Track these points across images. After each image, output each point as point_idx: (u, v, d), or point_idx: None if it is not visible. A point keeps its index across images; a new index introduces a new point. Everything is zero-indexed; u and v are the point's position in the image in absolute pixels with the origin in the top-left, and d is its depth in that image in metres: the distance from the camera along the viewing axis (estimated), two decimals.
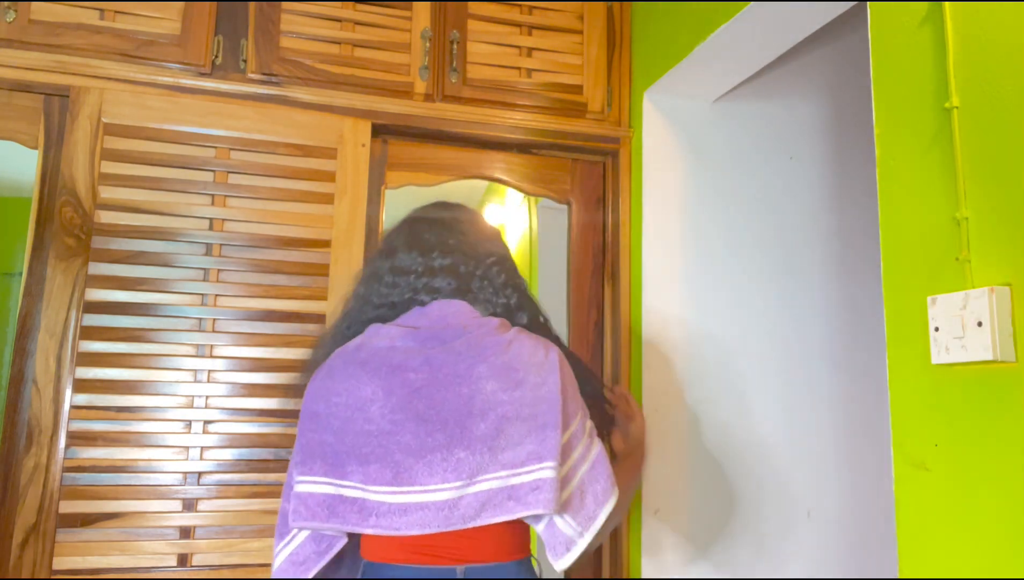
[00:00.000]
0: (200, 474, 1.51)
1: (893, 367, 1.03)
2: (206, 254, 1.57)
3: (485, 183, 1.93)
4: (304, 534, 1.08)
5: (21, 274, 1.48)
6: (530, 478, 0.98)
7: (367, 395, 1.03)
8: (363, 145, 1.69)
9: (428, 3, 1.77)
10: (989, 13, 0.93)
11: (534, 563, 1.08)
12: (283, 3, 1.67)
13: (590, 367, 1.79)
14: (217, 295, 1.56)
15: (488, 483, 0.99)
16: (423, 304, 1.13)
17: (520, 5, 1.85)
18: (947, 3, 0.98)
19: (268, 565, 1.51)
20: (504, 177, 1.86)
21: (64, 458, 1.43)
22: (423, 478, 0.99)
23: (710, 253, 1.86)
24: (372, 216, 1.71)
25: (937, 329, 0.95)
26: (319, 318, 1.60)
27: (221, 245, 1.58)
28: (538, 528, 1.03)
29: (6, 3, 1.51)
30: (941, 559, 0.94)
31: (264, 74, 1.65)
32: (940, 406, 0.95)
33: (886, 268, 1.06)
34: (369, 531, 1.00)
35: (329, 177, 1.66)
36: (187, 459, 1.50)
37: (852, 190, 2.02)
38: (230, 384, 1.54)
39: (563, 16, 1.88)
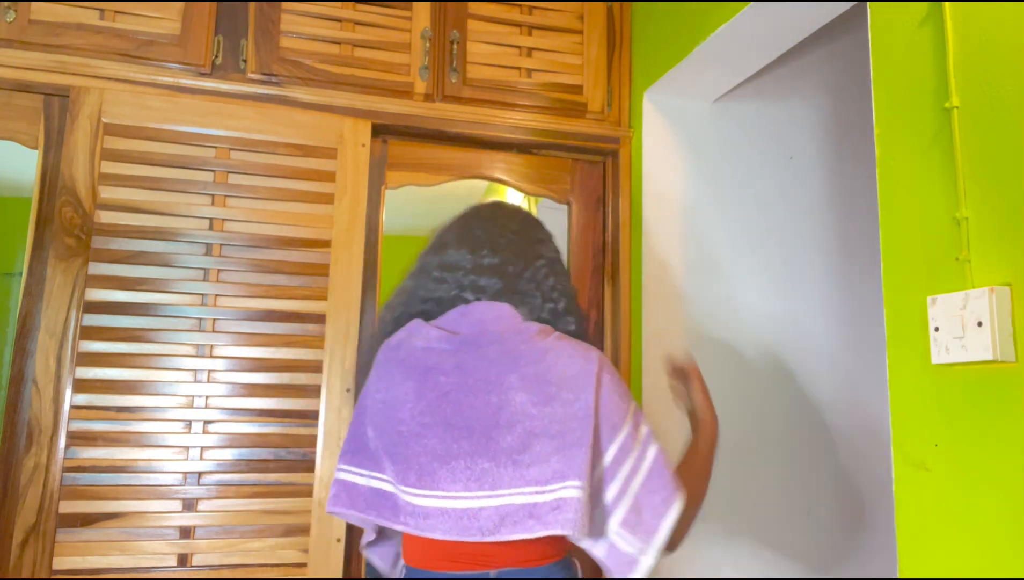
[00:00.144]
0: (200, 474, 1.51)
1: (893, 367, 1.03)
2: (206, 254, 1.57)
3: (485, 183, 1.93)
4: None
5: (21, 274, 1.48)
6: (552, 497, 0.94)
7: (400, 395, 1.03)
8: (363, 145, 1.69)
9: (428, 3, 1.77)
10: (989, 13, 0.93)
11: (572, 560, 1.05)
12: (283, 3, 1.67)
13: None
14: (217, 295, 1.56)
15: (510, 498, 0.96)
16: (467, 302, 1.10)
17: (520, 5, 1.85)
18: (947, 3, 0.98)
19: (268, 565, 1.51)
20: (504, 177, 1.86)
21: (64, 458, 1.43)
22: (446, 484, 0.97)
23: (710, 253, 1.86)
24: (372, 216, 1.71)
25: (937, 329, 0.95)
26: (319, 318, 1.60)
27: (221, 245, 1.58)
28: (595, 552, 0.98)
29: (6, 3, 1.51)
30: (941, 559, 0.94)
31: (264, 74, 1.65)
32: (940, 406, 0.95)
33: (886, 268, 1.06)
34: (400, 527, 1.00)
35: (329, 177, 1.65)
36: (187, 459, 1.50)
37: (852, 190, 2.02)
38: (230, 384, 1.54)
39: (563, 16, 1.88)
